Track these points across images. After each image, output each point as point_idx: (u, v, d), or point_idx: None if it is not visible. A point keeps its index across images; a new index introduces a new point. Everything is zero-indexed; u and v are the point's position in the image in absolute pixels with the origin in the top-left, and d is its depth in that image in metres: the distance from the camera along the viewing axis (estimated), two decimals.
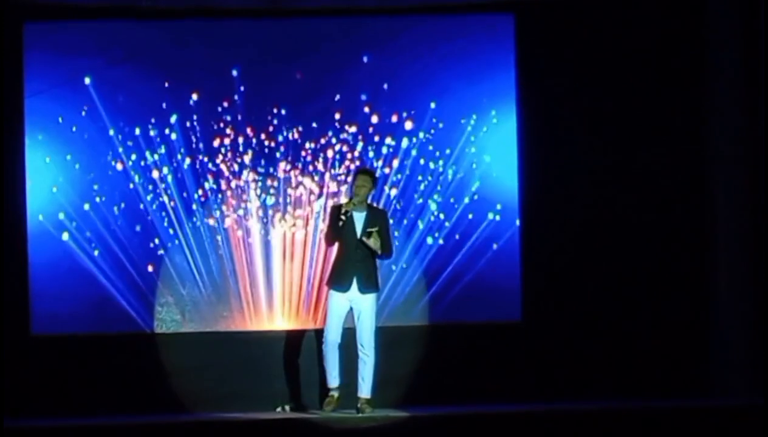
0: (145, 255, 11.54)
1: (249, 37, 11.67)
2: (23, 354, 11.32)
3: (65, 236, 11.46)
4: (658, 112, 11.81)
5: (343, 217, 10.54)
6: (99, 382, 11.36)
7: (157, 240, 11.56)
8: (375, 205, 11.02)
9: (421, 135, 11.74)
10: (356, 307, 10.66)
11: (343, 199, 11.26)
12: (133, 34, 11.58)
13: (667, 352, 11.70)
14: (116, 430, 10.46)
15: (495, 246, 11.73)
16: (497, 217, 11.75)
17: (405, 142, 11.71)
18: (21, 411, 10.98)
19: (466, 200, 11.73)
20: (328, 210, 10.98)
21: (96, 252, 11.48)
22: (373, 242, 10.57)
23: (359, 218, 10.66)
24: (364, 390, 10.70)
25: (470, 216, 11.73)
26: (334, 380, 10.74)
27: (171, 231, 11.55)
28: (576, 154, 11.78)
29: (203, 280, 11.57)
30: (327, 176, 11.64)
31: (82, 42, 11.51)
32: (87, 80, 11.49)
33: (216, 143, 11.62)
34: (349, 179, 11.43)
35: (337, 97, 11.65)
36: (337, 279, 10.67)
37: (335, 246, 10.77)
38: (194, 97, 11.58)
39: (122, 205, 11.55)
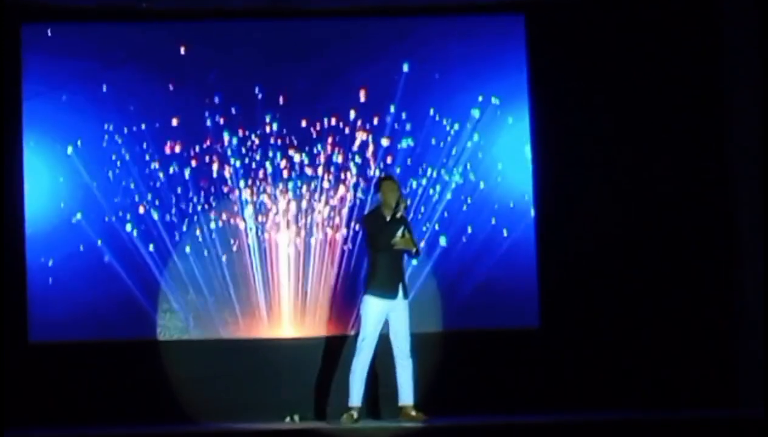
0: (148, 259, 11.37)
1: (253, 39, 11.58)
2: (21, 362, 11.15)
3: (64, 240, 11.30)
4: (672, 110, 11.71)
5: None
6: (100, 391, 11.21)
7: (160, 245, 11.39)
8: None
9: (433, 138, 11.62)
10: (396, 314, 10.62)
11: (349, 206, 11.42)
12: (133, 35, 11.50)
13: (692, 360, 11.53)
14: None
15: (510, 250, 11.58)
16: (512, 221, 11.61)
17: (416, 144, 11.60)
18: (20, 422, 10.80)
19: (480, 203, 11.60)
20: (364, 221, 10.89)
21: (96, 257, 11.32)
22: (404, 243, 10.60)
23: (397, 225, 10.72)
24: (409, 397, 10.61)
25: (484, 219, 11.58)
26: (359, 398, 10.61)
27: (174, 235, 11.42)
28: (591, 155, 11.68)
29: (208, 286, 11.42)
30: (335, 179, 11.52)
31: (80, 44, 11.47)
32: (86, 82, 11.39)
33: (220, 146, 11.49)
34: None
35: (346, 98, 11.55)
36: (385, 287, 10.59)
37: (377, 254, 10.64)
38: (196, 98, 11.47)
39: (123, 208, 11.40)
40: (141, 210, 11.37)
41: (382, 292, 10.58)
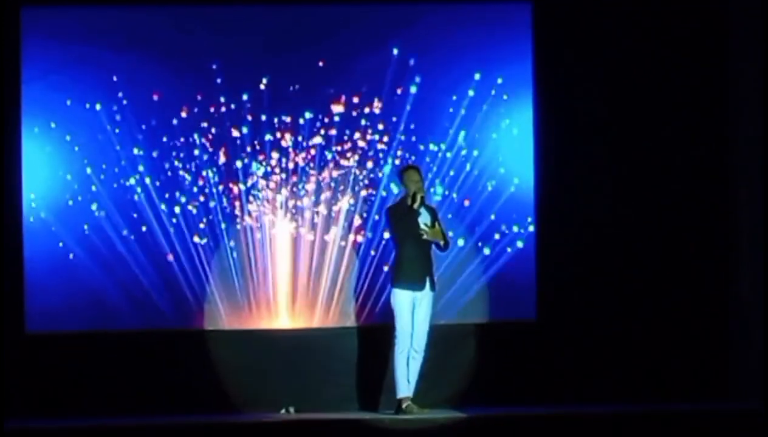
0: (146, 249, 11.31)
1: (258, 25, 11.47)
2: (17, 352, 11.08)
3: (62, 229, 11.23)
4: (678, 103, 11.62)
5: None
6: (96, 382, 11.14)
7: (159, 235, 11.31)
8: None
9: (434, 128, 11.54)
10: (419, 306, 10.65)
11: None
12: (135, 19, 11.38)
13: (686, 354, 11.52)
14: (115, 431, 10.26)
15: (510, 242, 11.53)
16: (512, 215, 11.55)
17: (418, 135, 11.51)
18: (15, 413, 10.73)
19: (481, 194, 11.53)
20: (387, 211, 10.87)
21: (94, 247, 11.25)
22: (433, 234, 10.61)
23: (424, 214, 10.70)
24: (410, 389, 10.69)
25: (485, 211, 11.52)
26: (407, 389, 10.64)
27: (173, 225, 11.32)
28: (594, 148, 11.60)
29: (206, 276, 11.34)
30: (336, 169, 11.47)
31: (81, 27, 11.32)
32: (86, 66, 11.28)
33: (222, 135, 11.39)
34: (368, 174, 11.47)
35: (350, 87, 11.45)
36: (412, 278, 10.62)
37: (402, 246, 10.67)
38: (197, 85, 11.36)
39: (123, 195, 11.31)
40: (142, 197, 11.28)
41: (407, 284, 10.61)
